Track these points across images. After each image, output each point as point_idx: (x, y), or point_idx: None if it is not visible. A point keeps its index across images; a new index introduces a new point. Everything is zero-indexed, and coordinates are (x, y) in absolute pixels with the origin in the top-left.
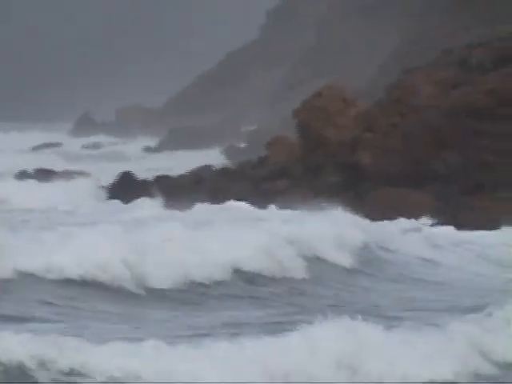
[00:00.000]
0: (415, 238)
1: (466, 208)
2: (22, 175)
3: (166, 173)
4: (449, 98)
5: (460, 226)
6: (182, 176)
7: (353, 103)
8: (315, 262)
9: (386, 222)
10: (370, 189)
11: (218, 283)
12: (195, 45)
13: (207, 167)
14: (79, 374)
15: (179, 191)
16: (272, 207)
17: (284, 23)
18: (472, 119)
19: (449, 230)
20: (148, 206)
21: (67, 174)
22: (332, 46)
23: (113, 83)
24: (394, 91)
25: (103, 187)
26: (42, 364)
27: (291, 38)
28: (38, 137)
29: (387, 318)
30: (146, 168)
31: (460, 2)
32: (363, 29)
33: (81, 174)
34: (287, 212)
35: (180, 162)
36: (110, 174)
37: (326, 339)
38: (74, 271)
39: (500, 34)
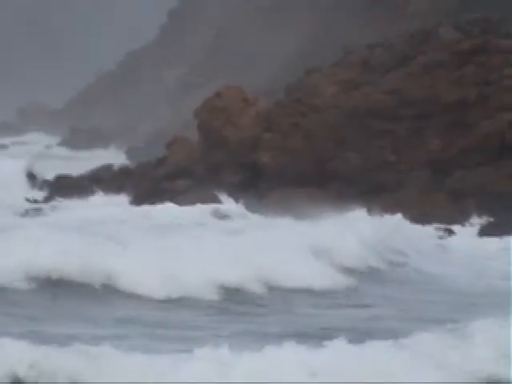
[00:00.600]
0: None
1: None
2: None
3: (66, 172)
4: (350, 98)
5: None
6: (81, 176)
7: (253, 103)
8: None
9: None
10: (269, 188)
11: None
12: (94, 45)
13: (107, 167)
14: None
15: (79, 190)
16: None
17: (185, 23)
18: (373, 119)
19: None
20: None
21: None
22: (233, 45)
23: (12, 82)
24: (295, 91)
25: None
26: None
27: (192, 38)
28: None
29: None
30: (46, 167)
31: (361, 3)
32: (265, 29)
33: None
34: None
35: (81, 161)
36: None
37: None
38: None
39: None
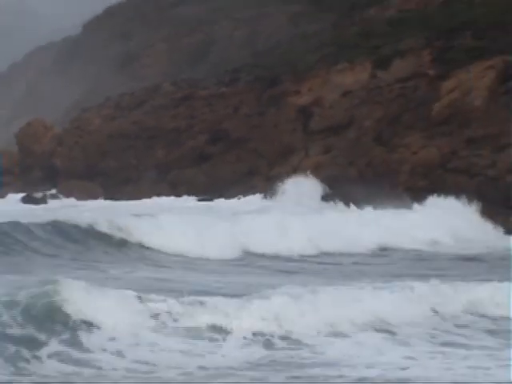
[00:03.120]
0: None
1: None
2: None
3: None
4: (110, 126)
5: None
6: None
7: (51, 128)
8: None
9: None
10: (62, 181)
11: None
12: None
13: None
14: None
15: None
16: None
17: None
18: (123, 139)
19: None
20: None
21: None
22: (40, 92)
23: None
24: (76, 122)
25: None
26: None
27: (12, 89)
28: None
29: None
30: None
31: (116, 66)
32: (59, 80)
33: None
34: None
35: None
36: None
37: None
38: None
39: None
